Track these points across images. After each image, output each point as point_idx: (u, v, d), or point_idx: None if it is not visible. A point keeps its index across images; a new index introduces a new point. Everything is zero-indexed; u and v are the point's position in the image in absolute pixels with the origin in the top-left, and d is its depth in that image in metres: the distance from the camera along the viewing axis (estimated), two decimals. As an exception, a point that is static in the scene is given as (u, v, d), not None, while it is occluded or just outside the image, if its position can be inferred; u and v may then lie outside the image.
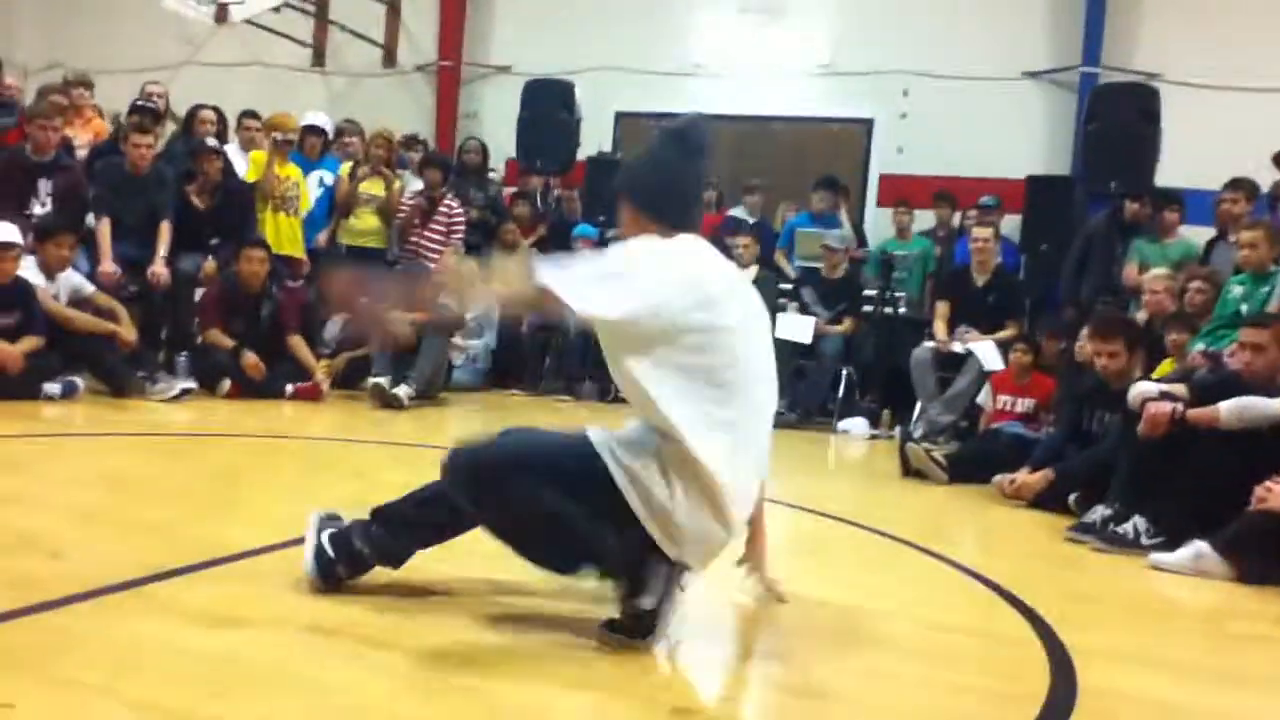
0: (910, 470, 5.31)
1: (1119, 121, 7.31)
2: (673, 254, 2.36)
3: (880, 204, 9.93)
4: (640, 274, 2.28)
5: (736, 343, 2.34)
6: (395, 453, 5.04)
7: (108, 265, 6.33)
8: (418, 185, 8.19)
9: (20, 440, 4.49)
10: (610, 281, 2.26)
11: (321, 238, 7.75)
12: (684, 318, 2.27)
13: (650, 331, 2.27)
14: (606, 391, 8.00)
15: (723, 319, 2.32)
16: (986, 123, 9.84)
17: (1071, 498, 4.52)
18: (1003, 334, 6.76)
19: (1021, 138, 9.80)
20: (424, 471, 2.72)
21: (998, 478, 4.97)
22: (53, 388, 5.48)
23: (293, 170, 7.50)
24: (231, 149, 7.66)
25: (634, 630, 2.33)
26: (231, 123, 8.10)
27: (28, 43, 12.63)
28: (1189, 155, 7.80)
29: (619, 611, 2.35)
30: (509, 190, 9.61)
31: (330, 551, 2.50)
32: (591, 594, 2.50)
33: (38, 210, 6.35)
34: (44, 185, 6.45)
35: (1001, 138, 9.78)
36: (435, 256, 7.82)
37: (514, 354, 8.42)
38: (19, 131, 6.84)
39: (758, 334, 2.46)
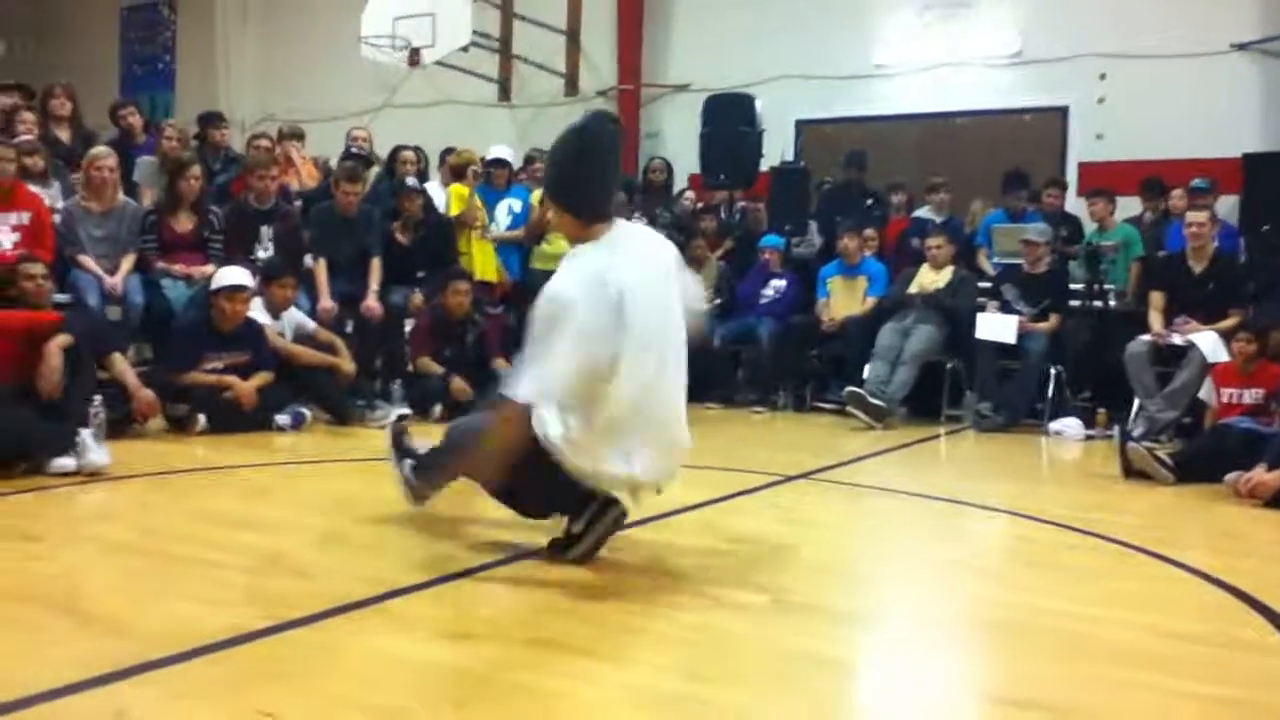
0: (1132, 471, 5.04)
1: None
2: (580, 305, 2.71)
3: (1080, 194, 9.50)
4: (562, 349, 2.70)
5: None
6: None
7: (326, 302, 6.74)
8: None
9: (258, 469, 4.83)
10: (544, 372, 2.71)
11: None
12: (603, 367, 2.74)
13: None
14: (803, 402, 7.96)
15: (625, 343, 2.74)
16: (1192, 101, 9.32)
17: (1317, 495, 4.20)
18: (1225, 324, 6.34)
19: (1233, 114, 9.22)
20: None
21: (1231, 476, 4.65)
22: (283, 419, 5.86)
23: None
24: (432, 185, 8.04)
25: (565, 546, 2.97)
26: (434, 161, 8.50)
27: (243, 99, 13.64)
28: None
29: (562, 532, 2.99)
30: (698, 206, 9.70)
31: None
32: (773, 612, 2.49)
33: (261, 254, 6.84)
34: (265, 231, 6.94)
35: (1210, 116, 9.22)
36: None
37: (705, 366, 8.47)
38: (241, 183, 7.38)
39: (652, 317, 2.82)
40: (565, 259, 2.91)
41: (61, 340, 4.38)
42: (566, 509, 3.01)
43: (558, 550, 3.04)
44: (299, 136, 8.50)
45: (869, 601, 2.97)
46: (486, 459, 2.90)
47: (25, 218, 6.18)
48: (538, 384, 2.73)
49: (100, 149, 6.69)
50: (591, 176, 2.89)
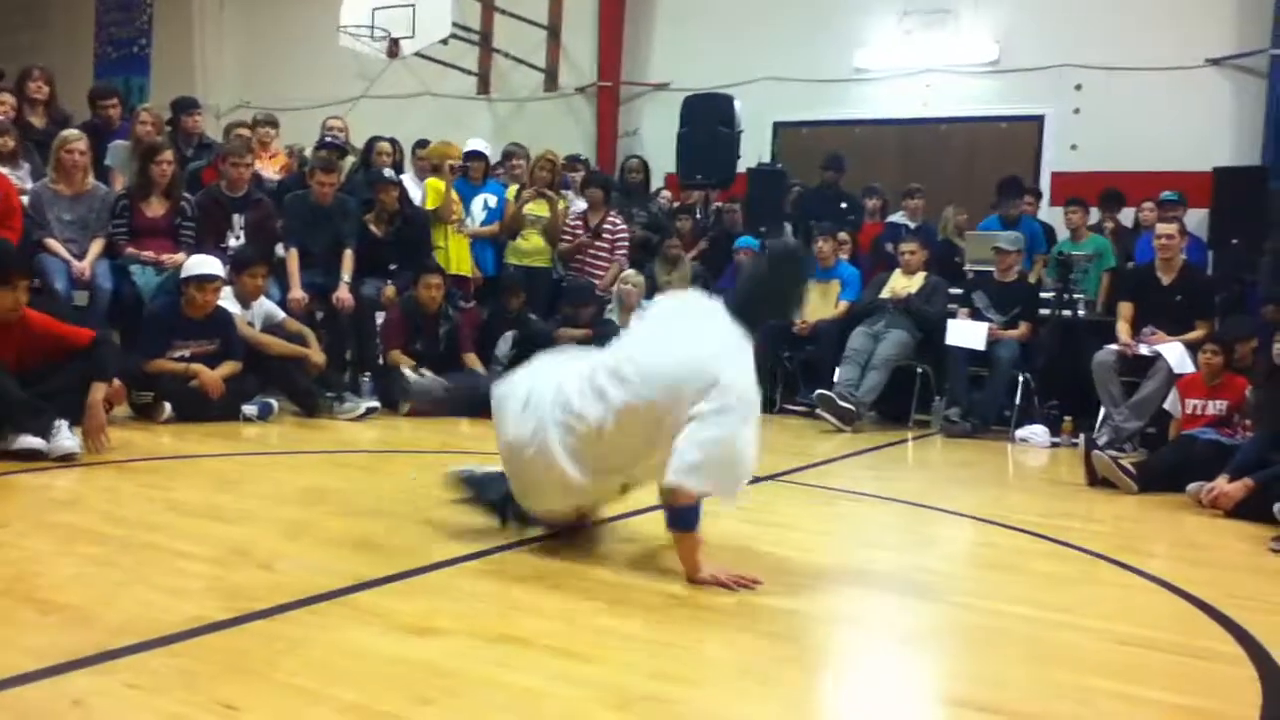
0: (1097, 479, 5.10)
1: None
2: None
3: (1054, 204, 9.59)
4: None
5: None
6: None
7: (297, 293, 6.67)
8: (581, 205, 8.37)
9: (225, 459, 4.78)
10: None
11: None
12: None
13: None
14: (772, 404, 7.97)
15: None
16: (1167, 114, 9.43)
17: (1276, 507, 4.25)
18: (1192, 335, 6.41)
19: (1206, 128, 9.34)
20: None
21: (1193, 486, 4.72)
22: (251, 409, 5.81)
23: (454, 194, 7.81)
24: (406, 178, 7.99)
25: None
26: (407, 152, 8.44)
27: (219, 86, 13.52)
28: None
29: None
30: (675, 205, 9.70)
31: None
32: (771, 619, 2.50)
33: (232, 243, 6.77)
34: (238, 219, 6.87)
35: (1183, 129, 9.34)
36: (601, 274, 7.99)
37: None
38: (213, 170, 7.31)
39: None
40: (728, 342, 2.94)
41: (102, 392, 4.46)
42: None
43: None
44: (273, 125, 8.42)
45: (835, 604, 2.98)
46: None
47: (-7, 199, 6.08)
48: (722, 471, 2.82)
49: (71, 132, 6.59)
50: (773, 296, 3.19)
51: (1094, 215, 8.67)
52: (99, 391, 4.44)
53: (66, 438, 4.21)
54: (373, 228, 7.19)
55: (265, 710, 1.90)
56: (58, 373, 4.45)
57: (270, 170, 8.03)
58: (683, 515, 2.87)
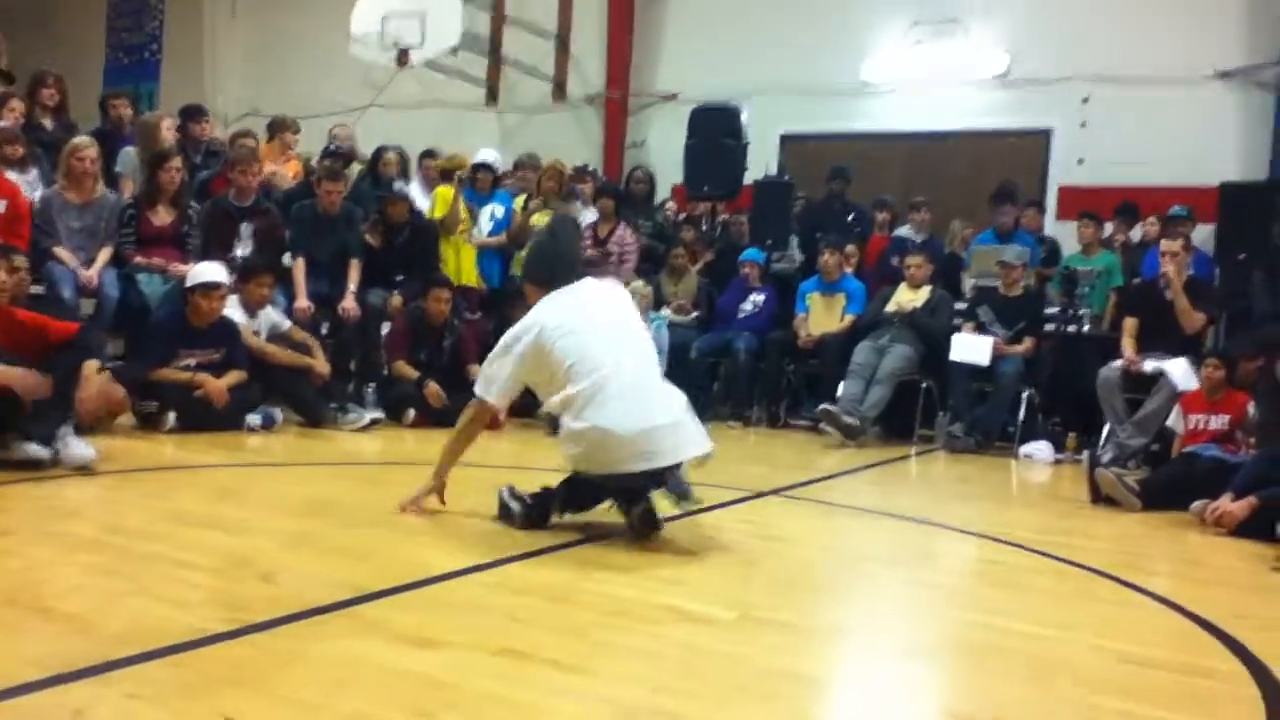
0: (1100, 496, 5.09)
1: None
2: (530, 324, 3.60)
3: (1060, 218, 9.60)
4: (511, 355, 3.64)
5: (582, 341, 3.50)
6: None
7: (303, 302, 6.70)
8: (589, 216, 8.37)
9: (227, 469, 4.79)
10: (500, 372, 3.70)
11: None
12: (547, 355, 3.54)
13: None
14: (777, 418, 7.98)
15: (566, 336, 3.51)
16: (1175, 128, 9.42)
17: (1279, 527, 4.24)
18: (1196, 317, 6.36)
19: (1214, 142, 9.34)
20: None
21: (1197, 504, 4.71)
22: (254, 419, 5.82)
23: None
24: (413, 187, 8.01)
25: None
26: (413, 162, 8.46)
27: (228, 92, 13.58)
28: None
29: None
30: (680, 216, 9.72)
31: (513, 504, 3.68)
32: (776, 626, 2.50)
33: (239, 251, 6.79)
34: (245, 228, 6.89)
35: (1191, 143, 9.34)
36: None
37: (681, 380, 8.46)
38: (223, 180, 7.33)
39: (604, 324, 3.59)
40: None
41: (95, 365, 4.32)
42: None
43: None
44: (294, 130, 8.43)
45: (837, 619, 2.98)
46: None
47: (1, 206, 6.10)
48: (487, 381, 3.73)
49: (82, 139, 6.61)
50: (554, 256, 3.79)
51: (1107, 229, 8.66)
52: (91, 366, 4.26)
53: (78, 446, 4.20)
54: (369, 238, 7.16)
55: (265, 723, 1.91)
56: (50, 369, 4.25)
57: (287, 174, 8.05)
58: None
